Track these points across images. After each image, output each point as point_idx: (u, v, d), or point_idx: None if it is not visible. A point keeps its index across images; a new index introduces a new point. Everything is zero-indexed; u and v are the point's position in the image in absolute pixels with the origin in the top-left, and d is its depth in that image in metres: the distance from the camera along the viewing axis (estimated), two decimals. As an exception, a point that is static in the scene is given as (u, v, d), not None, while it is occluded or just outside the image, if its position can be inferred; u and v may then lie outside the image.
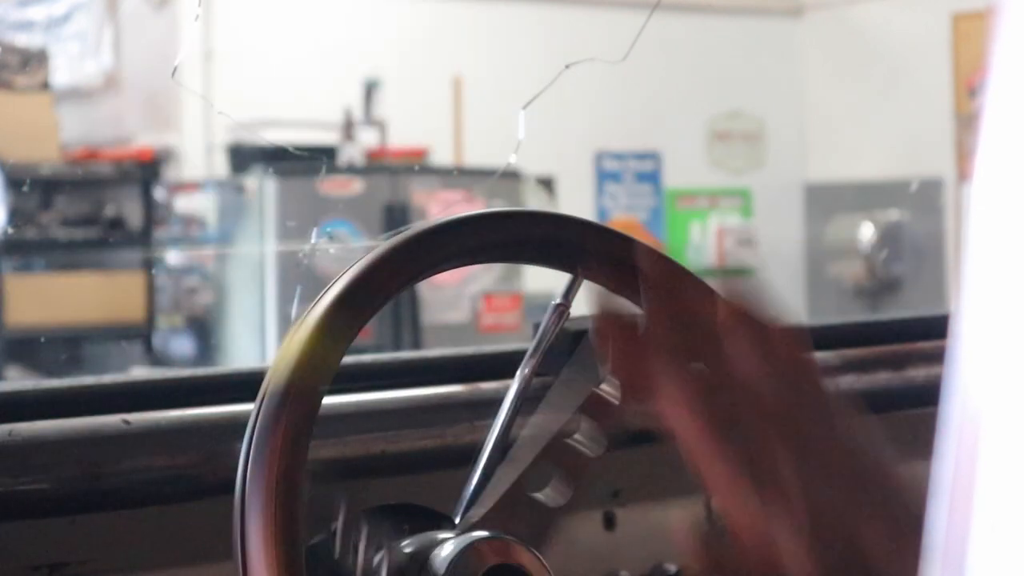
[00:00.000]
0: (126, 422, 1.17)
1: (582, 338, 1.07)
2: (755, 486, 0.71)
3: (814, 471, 0.72)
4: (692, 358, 0.73)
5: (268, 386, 0.91)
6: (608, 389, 1.03)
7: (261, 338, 5.80)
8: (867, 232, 7.65)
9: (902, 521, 0.71)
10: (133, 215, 6.52)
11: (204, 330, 6.14)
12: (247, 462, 0.90)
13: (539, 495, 1.01)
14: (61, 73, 6.74)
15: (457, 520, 1.04)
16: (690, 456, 0.72)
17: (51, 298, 6.04)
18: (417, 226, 1.02)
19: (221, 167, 6.36)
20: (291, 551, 0.89)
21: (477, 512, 1.00)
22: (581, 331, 1.34)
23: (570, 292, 1.09)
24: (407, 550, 1.02)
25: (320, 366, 0.92)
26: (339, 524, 1.07)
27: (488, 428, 1.07)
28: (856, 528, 0.71)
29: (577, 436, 1.03)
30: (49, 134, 6.26)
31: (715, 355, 0.73)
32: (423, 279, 1.02)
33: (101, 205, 6.46)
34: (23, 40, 6.81)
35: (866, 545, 0.71)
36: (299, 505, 0.90)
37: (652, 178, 7.77)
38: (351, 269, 0.96)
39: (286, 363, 0.91)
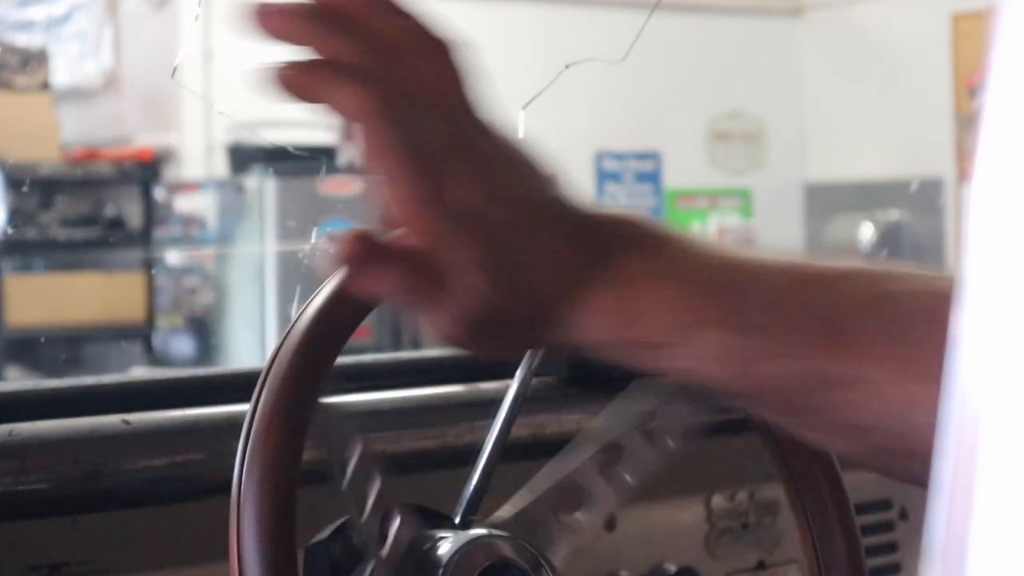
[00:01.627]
0: (126, 422, 1.17)
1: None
2: (428, 192, 0.72)
3: (492, 191, 0.74)
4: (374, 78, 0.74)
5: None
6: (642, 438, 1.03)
7: (261, 338, 5.80)
8: (867, 232, 7.65)
9: (561, 214, 0.75)
10: (133, 215, 6.52)
11: (204, 330, 6.14)
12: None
13: (570, 517, 1.01)
14: (61, 73, 6.74)
15: (457, 520, 1.03)
16: (379, 172, 0.74)
17: (51, 298, 6.04)
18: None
19: (221, 167, 6.36)
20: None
21: (506, 510, 1.00)
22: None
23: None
24: (406, 550, 1.02)
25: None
26: (338, 524, 1.07)
27: (488, 428, 1.07)
28: (526, 248, 0.74)
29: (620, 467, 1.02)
30: (49, 134, 6.26)
31: (396, 72, 0.74)
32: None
33: (101, 205, 6.46)
34: (23, 40, 6.81)
35: (533, 264, 0.74)
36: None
37: (652, 178, 7.77)
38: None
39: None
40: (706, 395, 0.84)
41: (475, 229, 0.73)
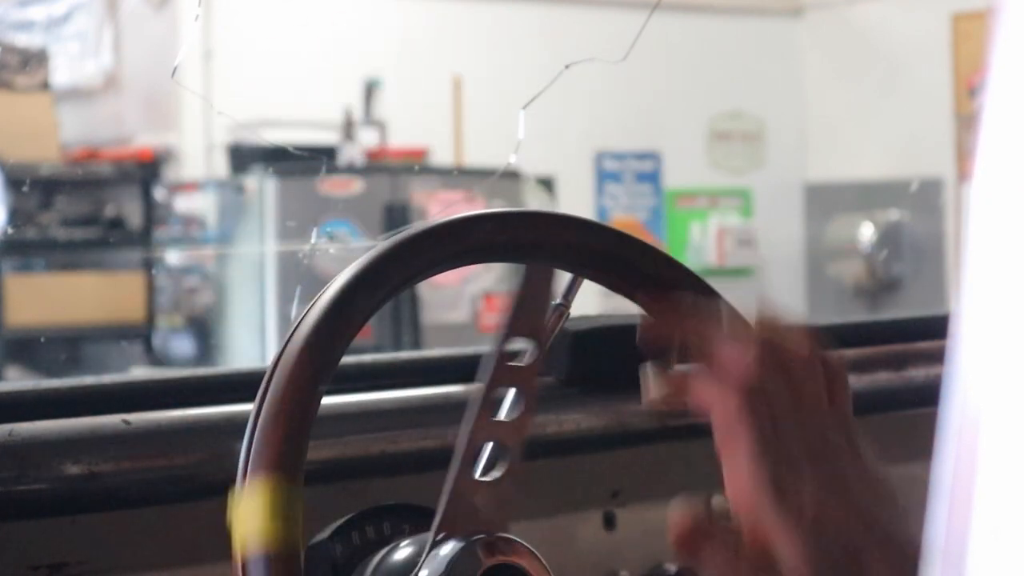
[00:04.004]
0: (126, 422, 1.17)
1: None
2: (773, 486, 0.74)
3: (833, 485, 0.75)
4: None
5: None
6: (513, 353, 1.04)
7: (261, 338, 5.80)
8: (867, 232, 7.65)
9: (906, 553, 0.73)
10: (133, 215, 6.52)
11: (204, 330, 6.14)
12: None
13: (487, 477, 1.01)
14: (61, 73, 6.74)
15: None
16: (722, 442, 0.77)
17: (51, 298, 6.04)
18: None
19: (221, 167, 6.36)
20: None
21: (438, 518, 1.00)
22: (581, 331, 1.34)
23: (570, 292, 1.09)
24: (406, 550, 1.02)
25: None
26: (339, 524, 1.07)
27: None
28: (861, 549, 0.73)
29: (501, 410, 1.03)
30: (49, 134, 6.26)
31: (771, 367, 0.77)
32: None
33: (101, 205, 6.46)
34: (23, 40, 6.81)
35: (867, 568, 0.72)
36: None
37: (652, 178, 7.77)
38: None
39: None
40: None
41: (813, 534, 0.73)
